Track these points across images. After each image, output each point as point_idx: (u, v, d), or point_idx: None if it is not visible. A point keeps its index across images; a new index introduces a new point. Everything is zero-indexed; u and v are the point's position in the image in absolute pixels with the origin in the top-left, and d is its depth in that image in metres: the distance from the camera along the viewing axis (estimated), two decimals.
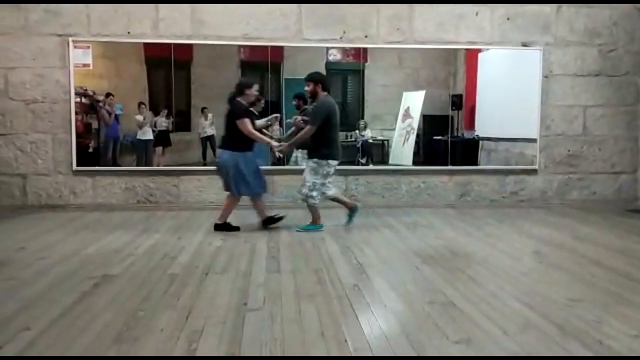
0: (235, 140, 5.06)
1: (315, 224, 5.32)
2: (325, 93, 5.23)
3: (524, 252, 4.53)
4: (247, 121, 5.04)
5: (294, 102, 5.92)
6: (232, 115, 5.08)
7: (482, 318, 2.91)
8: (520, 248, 4.70)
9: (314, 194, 5.19)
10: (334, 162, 5.22)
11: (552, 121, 7.07)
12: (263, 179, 5.28)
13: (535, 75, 6.97)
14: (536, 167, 7.08)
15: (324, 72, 6.86)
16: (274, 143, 5.31)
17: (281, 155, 5.80)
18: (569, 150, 7.12)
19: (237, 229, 5.23)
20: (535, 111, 7.00)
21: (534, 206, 6.97)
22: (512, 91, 7.06)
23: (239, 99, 5.13)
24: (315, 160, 5.18)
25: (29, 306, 3.07)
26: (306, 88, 5.24)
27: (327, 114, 5.12)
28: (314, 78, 5.22)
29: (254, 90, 5.18)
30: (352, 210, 5.50)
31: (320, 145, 5.17)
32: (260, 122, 5.51)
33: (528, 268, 4.03)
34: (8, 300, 3.17)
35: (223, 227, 5.21)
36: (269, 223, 5.32)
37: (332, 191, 5.38)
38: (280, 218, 5.37)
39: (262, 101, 6.01)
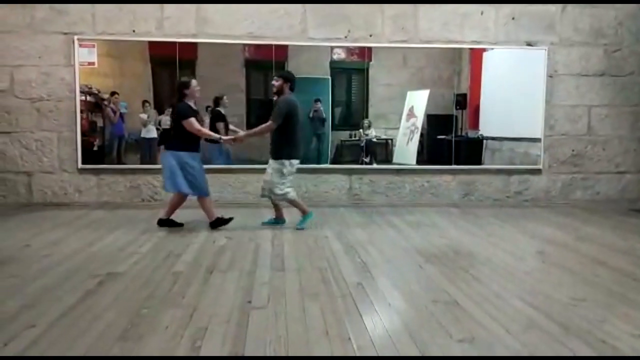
0: (183, 140, 5.10)
1: (306, 215, 5.37)
2: (291, 92, 5.25)
3: (527, 252, 4.52)
4: (193, 120, 5.09)
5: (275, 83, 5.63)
6: (178, 117, 5.12)
7: (485, 317, 2.92)
8: (524, 248, 4.69)
9: (288, 189, 5.24)
10: (296, 162, 5.26)
11: (557, 121, 7.05)
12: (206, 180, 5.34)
13: (539, 74, 6.96)
14: (540, 166, 7.07)
15: (328, 71, 6.92)
16: (224, 137, 5.43)
17: (232, 144, 5.75)
18: (573, 150, 7.11)
19: (181, 225, 5.31)
20: (540, 111, 6.99)
21: (538, 206, 6.96)
22: (516, 91, 7.04)
23: (184, 100, 5.15)
24: (279, 161, 5.20)
25: (33, 304, 3.08)
26: (274, 83, 5.27)
27: (287, 112, 5.13)
28: (283, 76, 5.27)
29: (194, 87, 5.18)
30: (277, 221, 5.48)
31: (282, 145, 5.21)
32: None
33: (531, 268, 4.03)
34: (13, 297, 3.19)
35: (167, 222, 5.29)
36: (218, 224, 5.28)
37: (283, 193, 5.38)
38: (229, 219, 5.34)
39: (225, 98, 6.50)
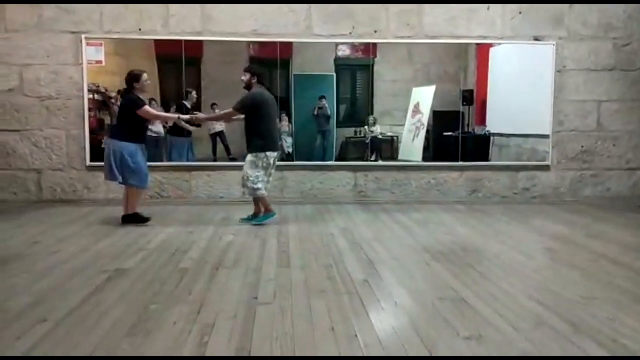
0: (128, 131, 5.13)
1: (268, 213, 5.36)
2: (260, 86, 5.29)
3: (536, 249, 4.50)
4: (147, 107, 5.18)
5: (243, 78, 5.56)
6: (128, 108, 5.14)
7: (493, 315, 2.90)
8: (532, 245, 4.67)
9: (259, 185, 5.23)
10: (272, 154, 5.26)
11: (566, 117, 7.00)
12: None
13: (548, 70, 6.91)
14: (549, 163, 7.03)
15: (333, 68, 6.92)
16: (183, 116, 5.52)
17: (190, 123, 5.83)
18: (582, 146, 7.06)
19: (148, 219, 5.30)
20: (548, 107, 6.94)
21: (547, 203, 6.92)
22: (524, 86, 7.00)
23: (133, 92, 5.18)
24: (253, 154, 5.22)
25: (44, 299, 3.11)
26: (242, 78, 5.30)
27: (254, 104, 5.16)
28: (251, 70, 5.32)
29: (144, 81, 5.20)
30: (255, 217, 5.42)
31: (254, 138, 5.23)
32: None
33: (540, 265, 4.01)
34: (24, 293, 3.22)
35: (133, 218, 5.27)
36: (131, 220, 5.27)
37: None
38: (147, 219, 5.33)
39: (194, 94, 6.64)
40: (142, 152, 5.27)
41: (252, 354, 2.41)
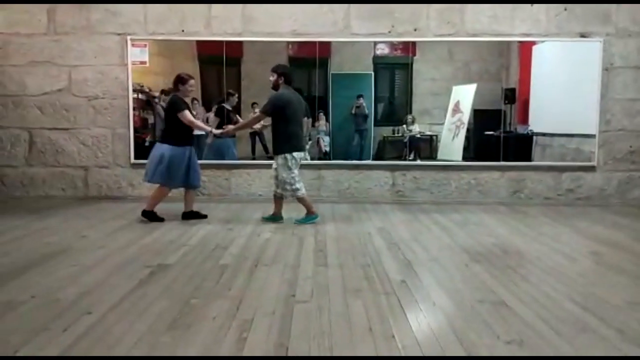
0: (175, 134, 5.23)
1: (311, 215, 5.35)
2: (287, 86, 5.23)
3: (580, 252, 4.37)
4: (187, 112, 5.20)
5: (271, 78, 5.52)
6: (170, 109, 5.24)
7: (535, 319, 2.84)
8: (576, 248, 4.53)
9: (298, 186, 5.23)
10: (298, 154, 5.24)
11: (613, 116, 6.77)
12: (199, 172, 5.48)
13: (594, 67, 6.68)
14: (594, 163, 6.81)
15: (371, 66, 6.89)
16: (215, 130, 5.51)
17: (221, 136, 5.73)
18: (630, 146, 6.80)
19: (162, 219, 5.38)
20: (594, 105, 6.72)
21: (592, 205, 6.71)
22: (568, 84, 6.81)
23: (177, 93, 5.27)
24: (282, 156, 5.19)
25: (90, 291, 3.23)
26: (270, 78, 5.27)
27: (279, 105, 5.10)
28: (278, 70, 5.25)
29: (189, 86, 5.28)
30: (275, 217, 5.43)
31: (280, 141, 5.20)
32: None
33: (584, 269, 3.89)
34: (71, 285, 3.35)
35: (149, 215, 5.37)
36: (149, 216, 5.40)
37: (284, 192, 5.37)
38: (161, 219, 5.40)
39: (235, 96, 6.71)
40: (190, 153, 5.36)
41: (290, 352, 2.44)
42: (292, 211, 5.62)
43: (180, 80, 5.27)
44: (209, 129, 5.51)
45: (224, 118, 6.68)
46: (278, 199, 5.41)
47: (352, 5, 6.65)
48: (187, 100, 5.42)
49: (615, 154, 6.81)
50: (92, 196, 6.82)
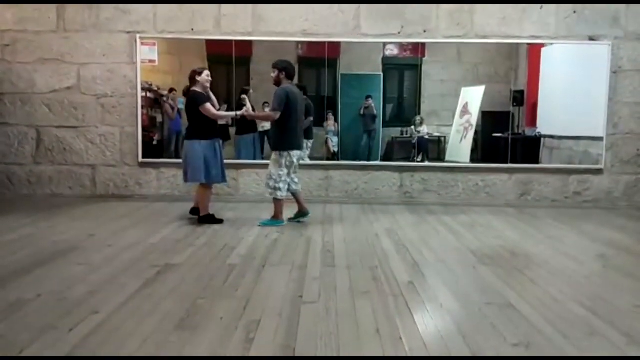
0: (200, 128, 5.22)
1: (276, 219, 5.26)
2: (290, 81, 5.20)
3: (587, 255, 4.35)
4: (209, 105, 5.18)
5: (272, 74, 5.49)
6: (192, 104, 5.22)
7: (542, 321, 2.84)
8: (584, 250, 4.51)
9: (280, 185, 5.15)
10: (295, 152, 5.16)
11: (620, 119, 6.73)
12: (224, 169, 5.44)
13: (602, 70, 6.64)
14: (602, 166, 6.77)
15: (380, 67, 6.88)
16: (239, 112, 5.42)
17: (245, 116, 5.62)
18: (638, 150, 6.76)
19: (221, 221, 5.34)
20: (602, 108, 6.68)
21: (599, 207, 6.67)
22: (576, 87, 6.78)
23: (194, 88, 5.25)
24: (277, 152, 5.15)
25: (97, 290, 3.25)
26: (271, 75, 5.24)
27: (284, 99, 5.03)
28: (278, 66, 5.18)
29: (205, 75, 5.27)
30: (302, 214, 5.42)
31: (278, 136, 5.15)
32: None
33: (592, 272, 3.88)
34: (79, 283, 3.37)
35: (207, 219, 5.30)
36: (206, 221, 5.32)
37: (297, 186, 5.37)
38: (221, 221, 5.35)
39: (250, 91, 6.60)
40: (217, 147, 5.34)
41: (297, 352, 2.44)
42: (290, 212, 5.61)
43: (196, 73, 5.29)
44: (232, 114, 5.54)
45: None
46: (295, 196, 5.39)
47: (362, 6, 6.64)
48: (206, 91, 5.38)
49: (622, 157, 6.78)
50: (99, 195, 6.85)
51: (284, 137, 5.14)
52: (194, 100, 5.20)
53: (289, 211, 5.47)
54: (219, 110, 5.46)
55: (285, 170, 5.16)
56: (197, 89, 5.24)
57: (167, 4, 6.63)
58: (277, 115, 5.08)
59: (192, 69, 5.36)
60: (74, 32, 6.69)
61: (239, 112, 5.47)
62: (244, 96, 6.31)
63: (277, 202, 5.25)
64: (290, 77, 5.21)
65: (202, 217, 5.31)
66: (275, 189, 5.16)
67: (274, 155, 5.19)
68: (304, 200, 5.47)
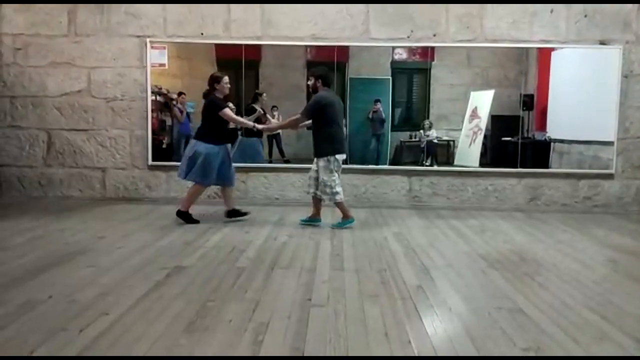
0: (213, 132, 5.33)
1: (347, 219, 5.34)
2: (326, 88, 5.26)
3: (597, 260, 4.32)
4: (228, 110, 5.33)
5: (309, 82, 5.61)
6: (210, 109, 5.32)
7: (552, 326, 2.82)
8: (594, 256, 4.48)
9: (337, 189, 5.22)
10: (340, 156, 5.26)
11: (632, 123, 6.68)
12: (232, 171, 5.56)
13: (613, 75, 6.60)
14: (612, 171, 6.73)
15: (389, 71, 6.88)
16: (258, 125, 5.58)
17: (263, 131, 5.90)
18: None
19: (197, 221, 5.44)
20: (613, 113, 6.64)
21: (610, 212, 6.62)
22: (587, 91, 6.74)
23: (214, 93, 5.37)
24: (324, 158, 5.21)
25: (107, 292, 3.26)
26: (308, 82, 5.34)
27: (318, 107, 5.13)
28: (315, 74, 5.28)
29: (224, 83, 5.37)
30: (314, 219, 5.44)
31: (322, 143, 5.23)
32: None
33: (602, 277, 3.84)
34: (89, 286, 3.39)
35: (184, 215, 5.43)
36: (233, 215, 5.58)
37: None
38: (197, 221, 5.45)
39: (264, 96, 6.72)
40: (226, 152, 5.47)
41: (306, 355, 2.44)
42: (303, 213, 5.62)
43: (215, 79, 5.37)
44: (251, 124, 5.59)
45: (258, 117, 6.68)
46: (317, 201, 5.42)
47: (371, 10, 6.65)
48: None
49: (633, 162, 6.73)
50: (109, 197, 6.89)
51: (327, 143, 5.22)
52: (214, 105, 5.31)
53: (298, 215, 5.48)
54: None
55: (336, 174, 5.26)
56: (217, 94, 5.36)
57: (177, 9, 6.67)
58: (303, 119, 5.24)
59: (211, 74, 5.47)
60: (85, 36, 6.75)
61: (258, 126, 5.58)
62: (254, 105, 6.38)
63: (339, 205, 5.33)
64: (326, 84, 5.30)
65: (180, 212, 5.43)
66: (334, 194, 5.24)
67: (322, 162, 5.24)
68: (320, 209, 5.49)
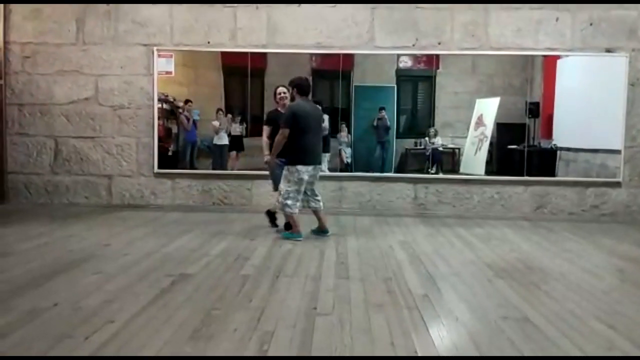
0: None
1: (292, 233, 5.13)
2: (304, 97, 5.14)
3: (605, 270, 4.28)
4: (265, 127, 5.45)
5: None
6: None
7: (559, 336, 2.79)
8: (601, 265, 4.45)
9: (289, 202, 5.02)
10: (303, 168, 5.00)
11: (638, 132, 6.66)
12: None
13: (619, 83, 6.60)
14: (620, 179, 6.69)
15: (394, 79, 6.89)
16: (265, 157, 5.43)
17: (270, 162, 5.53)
18: None
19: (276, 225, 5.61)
20: (620, 121, 6.62)
21: (617, 221, 6.58)
22: (593, 99, 6.72)
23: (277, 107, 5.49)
24: (286, 167, 5.07)
25: (113, 299, 3.26)
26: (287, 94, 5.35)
27: (292, 116, 4.96)
28: (291, 84, 5.21)
29: (276, 94, 5.46)
30: (321, 231, 5.34)
31: (288, 151, 5.05)
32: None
33: (610, 286, 3.81)
34: (95, 292, 3.39)
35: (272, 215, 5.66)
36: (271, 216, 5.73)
37: (317, 203, 5.27)
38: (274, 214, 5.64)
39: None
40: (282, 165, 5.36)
41: (306, 355, 2.44)
42: (313, 223, 5.61)
43: (273, 92, 5.52)
44: (266, 158, 5.41)
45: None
46: (314, 212, 5.32)
47: (376, 18, 6.68)
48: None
49: None
50: (115, 204, 6.91)
51: (292, 153, 5.04)
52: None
53: (301, 222, 5.46)
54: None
55: (295, 187, 5.03)
56: (278, 107, 5.45)
57: (184, 17, 6.72)
58: (286, 132, 4.98)
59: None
60: (93, 45, 6.81)
61: (266, 158, 5.41)
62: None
63: (290, 217, 5.14)
64: (303, 92, 5.15)
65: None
66: (283, 204, 5.07)
67: (285, 171, 5.10)
68: (325, 219, 5.38)
